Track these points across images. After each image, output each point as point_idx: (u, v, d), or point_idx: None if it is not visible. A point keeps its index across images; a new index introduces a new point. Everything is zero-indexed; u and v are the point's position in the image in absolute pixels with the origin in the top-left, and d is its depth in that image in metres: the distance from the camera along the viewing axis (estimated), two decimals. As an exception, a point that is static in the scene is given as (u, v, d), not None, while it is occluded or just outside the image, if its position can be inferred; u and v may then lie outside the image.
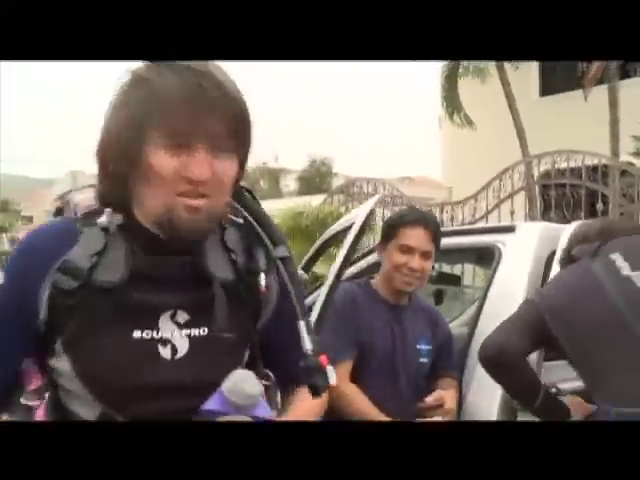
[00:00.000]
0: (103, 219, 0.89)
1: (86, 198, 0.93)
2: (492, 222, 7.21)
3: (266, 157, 30.53)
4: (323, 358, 0.91)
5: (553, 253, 1.98)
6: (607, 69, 8.94)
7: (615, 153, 8.73)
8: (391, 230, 1.98)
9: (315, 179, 25.40)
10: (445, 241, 2.03)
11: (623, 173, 7.48)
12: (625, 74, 10.33)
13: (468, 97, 10.66)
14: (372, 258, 2.41)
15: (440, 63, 11.00)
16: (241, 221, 0.99)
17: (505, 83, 9.72)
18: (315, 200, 10.70)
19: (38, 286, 0.86)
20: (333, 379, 0.90)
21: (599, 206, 7.31)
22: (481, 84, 10.57)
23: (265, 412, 0.89)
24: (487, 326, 1.86)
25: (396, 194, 9.66)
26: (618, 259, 1.57)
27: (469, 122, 10.68)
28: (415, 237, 1.92)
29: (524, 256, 2.05)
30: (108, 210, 0.89)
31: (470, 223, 7.83)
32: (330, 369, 0.90)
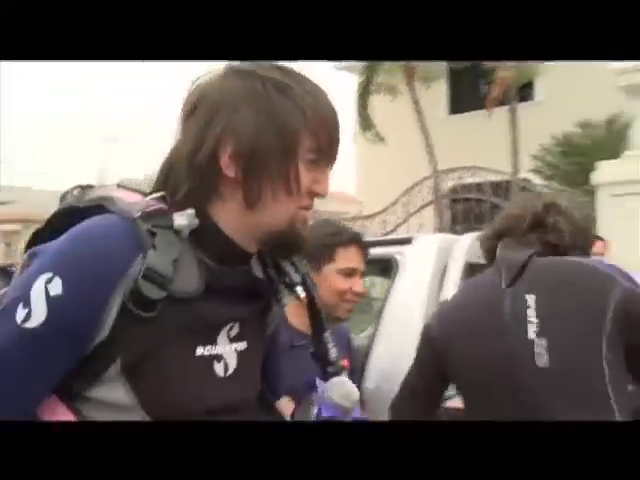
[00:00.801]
0: (182, 221, 0.80)
1: (149, 199, 0.84)
2: (402, 235, 7.43)
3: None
4: (345, 362, 0.99)
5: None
6: (507, 92, 9.46)
7: (515, 170, 9.25)
8: (326, 252, 1.67)
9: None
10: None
11: (523, 189, 7.95)
12: (522, 98, 10.95)
13: (380, 114, 10.95)
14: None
15: (355, 79, 11.27)
16: None
17: (415, 101, 10.08)
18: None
19: (108, 296, 0.75)
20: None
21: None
22: (391, 102, 10.89)
23: (360, 414, 0.98)
24: (384, 337, 1.90)
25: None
26: (532, 305, 1.27)
27: (380, 138, 10.97)
28: (353, 257, 1.70)
29: (421, 267, 2.11)
30: (190, 211, 0.81)
31: (382, 236, 8.03)
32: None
